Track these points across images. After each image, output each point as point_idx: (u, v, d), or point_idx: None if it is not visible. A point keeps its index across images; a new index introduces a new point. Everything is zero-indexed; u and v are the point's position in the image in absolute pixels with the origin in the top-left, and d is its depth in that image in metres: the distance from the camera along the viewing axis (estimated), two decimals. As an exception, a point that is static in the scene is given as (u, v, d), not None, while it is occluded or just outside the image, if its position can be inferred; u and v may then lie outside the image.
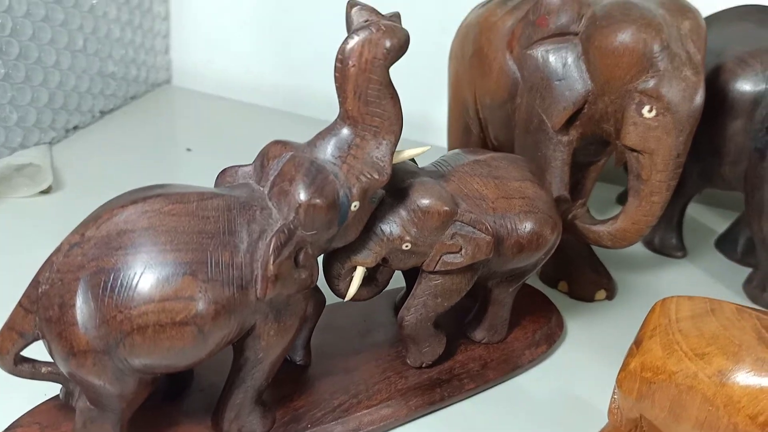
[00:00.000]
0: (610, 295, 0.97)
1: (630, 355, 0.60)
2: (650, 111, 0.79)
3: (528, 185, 0.72)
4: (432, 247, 0.67)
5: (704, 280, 1.04)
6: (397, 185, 0.66)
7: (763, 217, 0.93)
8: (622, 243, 0.87)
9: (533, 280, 0.98)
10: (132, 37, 1.29)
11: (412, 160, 0.73)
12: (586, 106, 0.84)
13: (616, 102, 0.82)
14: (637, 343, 0.60)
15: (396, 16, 0.58)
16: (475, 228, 0.67)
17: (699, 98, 0.79)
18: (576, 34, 0.83)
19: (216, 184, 0.63)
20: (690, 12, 0.81)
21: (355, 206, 0.59)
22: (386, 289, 0.82)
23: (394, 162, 0.62)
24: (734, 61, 0.91)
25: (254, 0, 1.37)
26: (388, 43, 0.56)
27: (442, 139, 1.15)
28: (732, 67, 0.91)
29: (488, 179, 0.71)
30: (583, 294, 0.96)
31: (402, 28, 0.57)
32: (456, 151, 0.76)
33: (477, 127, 1.02)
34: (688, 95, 0.78)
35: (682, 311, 0.57)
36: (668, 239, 1.08)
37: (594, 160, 0.97)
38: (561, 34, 0.84)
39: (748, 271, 1.03)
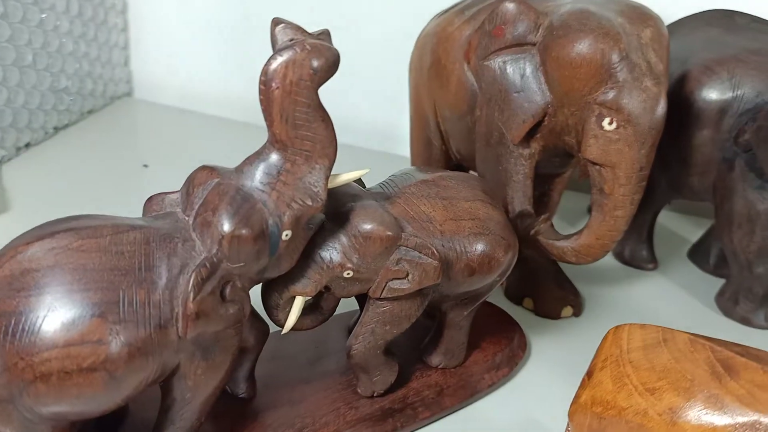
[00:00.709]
0: (577, 312, 0.93)
1: (582, 386, 0.57)
2: (611, 123, 0.76)
3: (479, 205, 0.69)
4: (377, 273, 0.64)
5: (676, 293, 1.01)
6: (338, 209, 0.63)
7: (733, 229, 0.90)
8: (586, 259, 0.84)
9: (498, 298, 0.95)
10: (87, 50, 1.25)
11: (359, 181, 0.70)
12: (546, 118, 0.81)
13: (577, 114, 0.79)
14: (589, 373, 0.56)
15: (325, 34, 0.55)
16: (420, 253, 0.64)
17: (660, 109, 0.76)
18: (534, 44, 0.80)
19: (143, 213, 0.59)
20: (651, 20, 0.78)
21: (286, 235, 0.56)
22: (339, 312, 0.79)
23: (330, 186, 0.58)
24: (700, 69, 0.88)
25: (216, 10, 1.34)
26: (315, 63, 0.52)
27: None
28: (697, 76, 0.88)
29: (436, 200, 0.67)
30: (548, 311, 0.92)
31: (330, 47, 0.53)
32: (405, 170, 0.73)
33: (438, 140, 0.99)
34: (648, 106, 0.75)
35: (633, 341, 0.54)
36: (639, 251, 1.05)
37: (559, 172, 0.94)
38: (518, 45, 0.81)
39: (721, 282, 1.00)
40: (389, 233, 0.62)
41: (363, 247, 0.62)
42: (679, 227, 1.18)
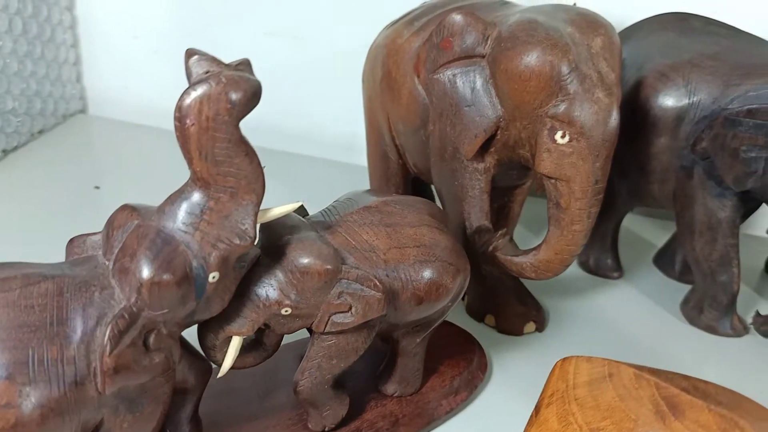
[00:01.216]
0: (540, 327, 0.91)
1: (529, 423, 0.54)
2: (563, 137, 0.74)
3: (425, 231, 0.66)
4: (318, 308, 0.61)
5: (642, 302, 0.99)
6: (275, 243, 0.60)
7: (695, 237, 0.88)
8: (546, 274, 0.81)
9: (459, 315, 0.92)
10: (34, 69, 1.21)
11: (301, 210, 0.67)
12: (498, 132, 0.79)
13: (529, 128, 0.77)
14: (537, 409, 0.54)
15: (244, 64, 0.52)
16: (363, 285, 0.61)
17: (613, 121, 0.74)
18: (483, 56, 0.78)
19: (66, 256, 0.56)
20: (601, 28, 0.76)
21: (213, 277, 0.53)
22: (294, 340, 0.76)
23: (260, 222, 0.55)
24: (655, 76, 0.86)
25: (170, 21, 1.30)
26: (233, 97, 0.49)
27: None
28: (652, 82, 0.86)
29: (379, 228, 0.65)
30: (510, 328, 0.90)
31: (249, 78, 0.50)
32: (349, 194, 0.70)
33: (395, 154, 0.97)
34: (601, 118, 0.73)
35: (580, 375, 0.51)
36: (603, 260, 1.03)
37: (518, 184, 0.92)
38: (467, 57, 0.78)
39: (686, 288, 0.98)
40: (328, 267, 0.59)
41: (301, 283, 0.59)
42: (644, 231, 1.17)
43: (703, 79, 0.83)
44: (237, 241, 0.53)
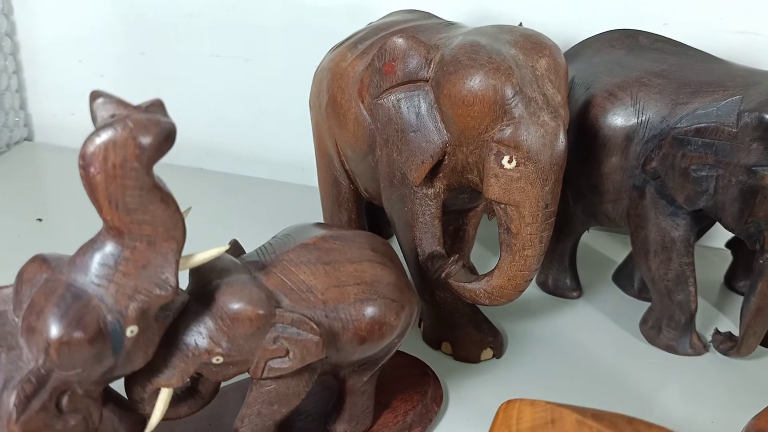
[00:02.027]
0: (498, 353, 0.89)
1: (473, 472, 0.52)
2: (510, 161, 0.72)
3: (366, 267, 0.64)
4: (253, 353, 0.58)
5: (601, 322, 0.98)
6: (204, 288, 0.57)
7: (650, 257, 0.87)
8: (500, 300, 0.80)
9: (416, 343, 0.90)
10: (-29, 99, 1.16)
11: (237, 248, 0.64)
12: (446, 157, 0.77)
13: (476, 153, 0.75)
14: (481, 457, 0.51)
15: (155, 105, 0.49)
16: (299, 329, 0.58)
17: (560, 144, 0.72)
18: (426, 80, 0.76)
19: (-20, 311, 0.53)
20: (546, 49, 0.75)
21: (131, 332, 0.49)
22: (239, 380, 0.73)
23: (182, 269, 0.52)
24: (603, 95, 0.85)
25: (115, 45, 1.27)
26: (142, 141, 0.46)
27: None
28: (601, 102, 0.85)
29: (317, 266, 0.62)
30: (467, 355, 0.88)
31: (159, 120, 0.47)
32: (287, 230, 0.67)
33: (346, 180, 0.94)
34: (548, 141, 0.71)
35: (523, 421, 0.49)
36: (562, 280, 1.01)
37: (471, 206, 0.90)
38: (411, 81, 0.76)
39: (646, 305, 0.96)
40: (260, 312, 0.57)
41: (232, 330, 0.56)
42: (603, 247, 1.15)
43: (651, 98, 0.82)
44: (157, 291, 0.50)
